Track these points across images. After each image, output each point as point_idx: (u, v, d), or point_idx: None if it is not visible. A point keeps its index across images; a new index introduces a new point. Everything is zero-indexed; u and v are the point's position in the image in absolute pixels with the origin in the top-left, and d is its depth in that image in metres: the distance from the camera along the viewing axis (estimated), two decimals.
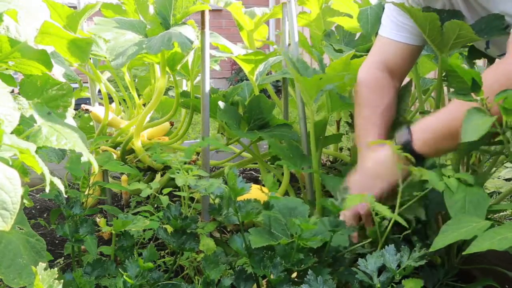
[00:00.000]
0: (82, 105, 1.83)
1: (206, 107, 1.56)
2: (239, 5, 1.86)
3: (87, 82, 1.85)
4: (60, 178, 0.94)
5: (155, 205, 1.70)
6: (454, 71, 0.94)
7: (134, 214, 1.47)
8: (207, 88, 1.55)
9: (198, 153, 1.83)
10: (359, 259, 0.95)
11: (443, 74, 1.39)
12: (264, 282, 1.09)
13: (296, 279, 1.04)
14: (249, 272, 1.02)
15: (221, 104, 1.66)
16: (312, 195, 1.65)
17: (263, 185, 1.67)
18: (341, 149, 2.34)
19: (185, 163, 1.33)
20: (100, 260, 1.09)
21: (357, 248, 1.13)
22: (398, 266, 0.93)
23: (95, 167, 0.87)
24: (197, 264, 1.32)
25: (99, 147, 1.74)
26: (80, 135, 0.95)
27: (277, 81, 2.15)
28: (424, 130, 1.10)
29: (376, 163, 1.20)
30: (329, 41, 1.77)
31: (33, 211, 2.00)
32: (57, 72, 1.03)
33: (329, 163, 2.28)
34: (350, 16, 1.77)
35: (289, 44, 1.79)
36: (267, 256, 1.01)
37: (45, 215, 1.96)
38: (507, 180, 2.22)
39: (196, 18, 1.59)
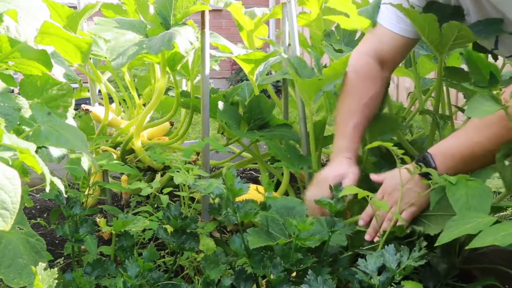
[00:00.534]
0: (82, 105, 1.83)
1: (206, 107, 1.56)
2: (239, 5, 1.86)
3: (87, 82, 1.85)
4: (60, 178, 0.94)
5: (155, 205, 1.69)
6: (474, 63, 0.94)
7: (134, 214, 1.47)
8: (207, 88, 1.55)
9: (198, 153, 1.83)
10: (359, 259, 0.95)
11: (443, 74, 1.39)
12: (263, 282, 1.09)
13: (295, 279, 1.04)
14: (249, 272, 1.02)
15: (221, 104, 1.66)
16: None
17: None
18: None
19: (185, 163, 1.34)
20: (100, 260, 1.09)
21: (357, 248, 1.13)
22: (398, 266, 0.93)
23: (95, 167, 0.87)
24: (197, 264, 1.32)
25: (99, 147, 1.74)
26: (80, 135, 0.95)
27: (277, 81, 2.15)
28: (445, 154, 1.09)
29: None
30: (329, 41, 1.77)
31: (33, 211, 2.00)
32: (57, 72, 1.03)
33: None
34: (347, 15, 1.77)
35: (289, 44, 1.79)
36: (267, 256, 1.01)
37: (45, 215, 1.96)
38: None
39: (196, 18, 1.59)
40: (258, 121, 1.75)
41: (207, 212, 1.51)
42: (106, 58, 1.71)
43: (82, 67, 1.77)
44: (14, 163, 0.73)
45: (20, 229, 0.89)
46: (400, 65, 1.90)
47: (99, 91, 1.84)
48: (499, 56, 1.37)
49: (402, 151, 1.07)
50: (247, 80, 1.96)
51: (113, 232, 1.20)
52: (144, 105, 1.97)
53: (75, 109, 1.18)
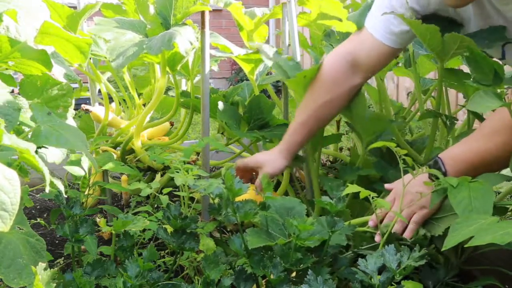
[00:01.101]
0: (82, 105, 1.83)
1: (206, 107, 1.56)
2: (239, 5, 1.86)
3: (87, 82, 1.85)
4: (60, 178, 0.95)
5: (155, 205, 1.69)
6: (476, 61, 0.94)
7: (134, 214, 1.47)
8: (207, 88, 1.55)
9: (198, 153, 1.83)
10: (359, 259, 0.95)
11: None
12: (263, 282, 1.09)
13: (295, 279, 1.04)
14: (249, 272, 1.02)
15: (221, 104, 1.66)
16: (311, 195, 1.65)
17: None
18: (341, 149, 2.34)
19: (185, 163, 1.33)
20: (100, 260, 1.09)
21: (357, 248, 1.14)
22: (398, 265, 0.93)
23: (95, 167, 0.87)
24: (197, 264, 1.32)
25: (99, 147, 1.74)
26: (80, 135, 0.95)
27: (277, 81, 2.15)
28: (455, 159, 1.11)
29: None
30: (329, 41, 1.77)
31: (33, 211, 2.00)
32: (57, 72, 1.03)
33: (329, 163, 2.28)
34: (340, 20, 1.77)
35: (289, 44, 1.79)
36: (267, 256, 1.01)
37: (45, 215, 1.96)
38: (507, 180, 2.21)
39: (196, 18, 1.59)
40: (258, 121, 1.75)
41: (207, 212, 1.51)
42: (106, 58, 1.70)
43: (82, 67, 1.77)
44: (14, 163, 0.73)
45: (20, 229, 0.89)
46: (400, 65, 1.90)
47: (99, 91, 1.83)
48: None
49: (405, 151, 1.07)
50: (247, 80, 1.96)
51: (113, 232, 1.20)
52: (144, 105, 1.97)
53: (75, 109, 1.18)
